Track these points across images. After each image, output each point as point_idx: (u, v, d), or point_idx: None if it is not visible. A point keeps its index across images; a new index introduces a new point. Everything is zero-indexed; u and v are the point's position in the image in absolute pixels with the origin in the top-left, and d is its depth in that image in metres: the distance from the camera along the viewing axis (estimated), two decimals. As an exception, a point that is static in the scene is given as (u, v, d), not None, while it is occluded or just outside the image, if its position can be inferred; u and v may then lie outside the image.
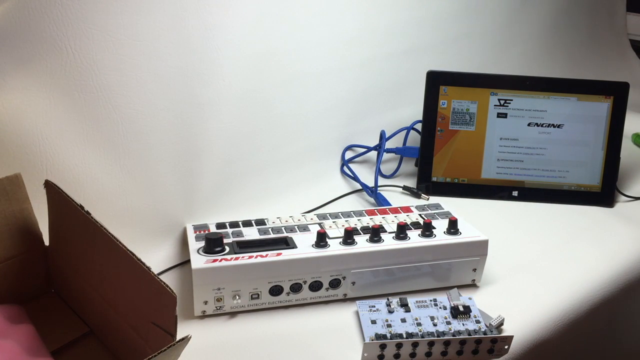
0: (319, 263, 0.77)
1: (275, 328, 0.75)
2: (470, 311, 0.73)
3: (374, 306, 0.74)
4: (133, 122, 0.83)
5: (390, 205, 1.00)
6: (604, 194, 1.07)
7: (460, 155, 1.09)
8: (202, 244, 0.78)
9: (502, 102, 1.07)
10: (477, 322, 0.72)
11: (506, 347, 0.69)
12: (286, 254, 0.76)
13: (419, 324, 0.71)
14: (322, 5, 1.01)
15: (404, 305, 0.74)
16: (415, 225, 0.84)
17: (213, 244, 0.76)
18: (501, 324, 0.72)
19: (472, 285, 0.84)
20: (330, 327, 0.75)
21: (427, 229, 0.82)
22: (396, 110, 1.18)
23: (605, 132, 1.07)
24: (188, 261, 0.82)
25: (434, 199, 1.05)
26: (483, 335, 0.69)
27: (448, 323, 0.72)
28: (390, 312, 0.73)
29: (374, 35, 1.11)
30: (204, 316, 0.76)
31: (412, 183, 1.11)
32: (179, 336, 0.55)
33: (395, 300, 0.75)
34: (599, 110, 1.07)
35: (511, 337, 0.68)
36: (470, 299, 0.75)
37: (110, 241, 0.61)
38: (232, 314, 0.77)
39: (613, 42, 1.63)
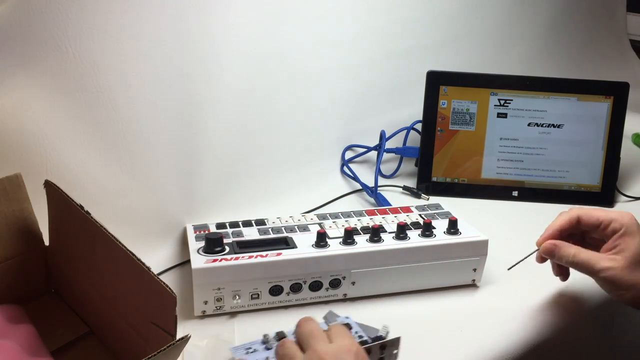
0: (319, 263, 0.77)
1: (275, 328, 0.75)
2: (351, 328, 0.65)
3: (250, 347, 0.66)
4: (133, 122, 0.83)
5: (390, 205, 0.99)
6: (604, 194, 1.07)
7: (460, 155, 1.09)
8: (202, 244, 0.78)
9: (502, 102, 1.07)
10: (360, 337, 0.64)
11: (395, 351, 0.63)
12: (286, 254, 0.76)
13: None
14: (322, 6, 1.01)
15: (282, 339, 0.63)
16: (415, 225, 0.84)
17: (213, 244, 0.76)
18: (387, 332, 0.65)
19: (472, 285, 0.84)
20: (330, 327, 0.75)
21: (427, 229, 0.82)
22: (396, 110, 1.18)
23: (605, 132, 1.07)
24: (188, 261, 0.82)
25: (434, 199, 1.05)
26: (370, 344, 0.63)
27: None
28: (268, 348, 0.65)
29: (374, 35, 1.11)
30: (204, 316, 0.76)
31: (412, 183, 1.11)
32: (178, 336, 0.55)
33: (272, 336, 0.67)
34: (599, 110, 1.07)
35: (398, 339, 0.63)
36: (347, 317, 0.67)
37: (110, 241, 0.61)
38: (232, 314, 0.77)
39: (613, 42, 1.63)
